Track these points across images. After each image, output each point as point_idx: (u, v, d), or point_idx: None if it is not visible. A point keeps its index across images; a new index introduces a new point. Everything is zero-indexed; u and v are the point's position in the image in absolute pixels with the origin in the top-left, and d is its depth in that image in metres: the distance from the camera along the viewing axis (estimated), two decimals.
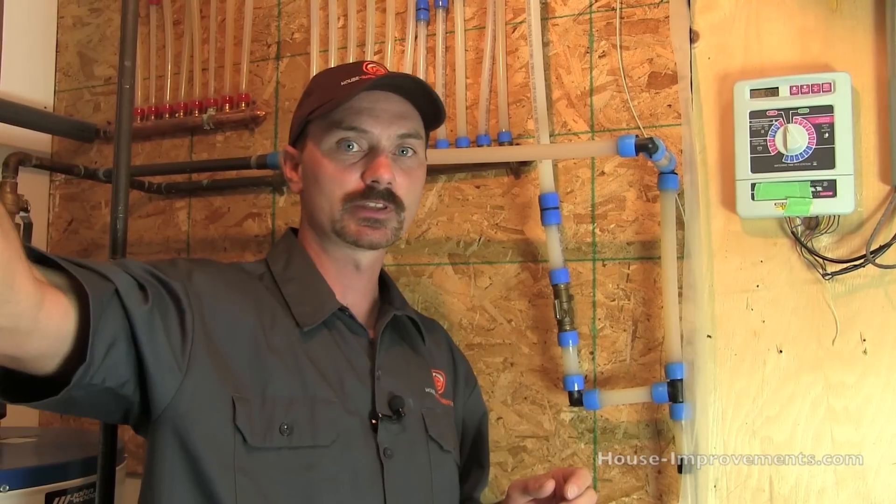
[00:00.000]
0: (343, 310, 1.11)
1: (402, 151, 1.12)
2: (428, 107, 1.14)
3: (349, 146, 1.09)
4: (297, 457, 0.98)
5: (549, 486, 1.01)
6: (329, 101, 1.09)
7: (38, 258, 0.83)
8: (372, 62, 1.16)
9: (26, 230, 1.65)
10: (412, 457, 1.09)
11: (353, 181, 1.08)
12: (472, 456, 1.30)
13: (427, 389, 1.18)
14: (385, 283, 1.23)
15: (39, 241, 1.94)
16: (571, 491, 1.00)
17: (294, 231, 1.20)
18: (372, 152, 1.09)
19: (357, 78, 1.10)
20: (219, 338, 0.98)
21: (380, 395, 1.08)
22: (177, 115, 1.82)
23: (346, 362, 1.08)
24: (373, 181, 1.07)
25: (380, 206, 1.08)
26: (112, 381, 0.88)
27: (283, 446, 0.98)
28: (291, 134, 1.19)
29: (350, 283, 1.15)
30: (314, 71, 1.66)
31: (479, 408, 1.34)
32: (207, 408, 0.95)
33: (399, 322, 1.20)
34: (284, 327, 1.05)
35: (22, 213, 1.63)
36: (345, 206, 1.08)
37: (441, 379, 1.23)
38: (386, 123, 1.09)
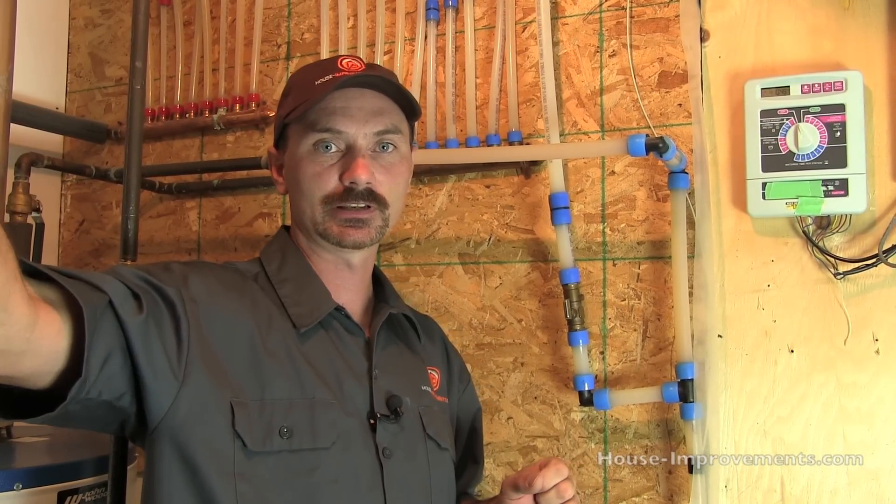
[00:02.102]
0: (339, 309, 1.10)
1: (383, 147, 1.09)
2: (404, 101, 1.12)
3: (326, 147, 1.07)
4: (298, 460, 0.98)
5: (538, 483, 0.99)
6: (303, 102, 1.07)
7: (30, 271, 0.82)
8: (348, 56, 1.13)
9: (38, 230, 1.65)
10: (410, 456, 1.08)
11: (331, 183, 1.07)
12: (467, 451, 1.29)
13: (423, 387, 1.17)
14: (379, 281, 1.22)
15: (51, 241, 1.95)
16: (536, 484, 0.98)
17: (287, 229, 1.18)
18: (349, 152, 1.07)
19: (330, 76, 1.08)
20: (215, 342, 0.97)
21: (377, 395, 1.07)
22: (187, 115, 1.83)
23: (343, 363, 1.07)
24: (351, 183, 1.06)
25: (361, 205, 1.06)
26: (108, 394, 0.87)
27: (283, 450, 0.97)
28: (274, 135, 1.17)
29: (344, 282, 1.13)
30: None
31: (473, 404, 1.33)
32: (205, 415, 0.94)
33: (394, 320, 1.18)
34: (281, 329, 1.04)
35: (34, 214, 1.64)
36: (325, 208, 1.07)
37: (436, 376, 1.22)
38: (361, 122, 1.07)
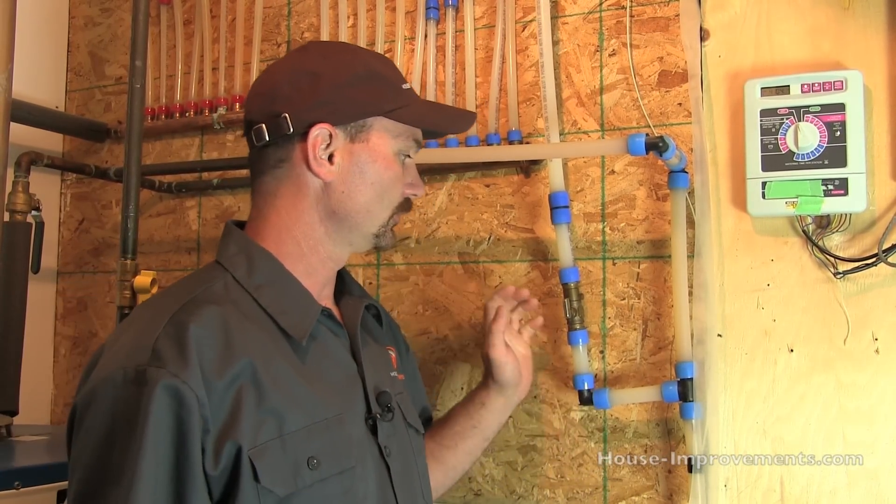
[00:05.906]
0: (323, 311, 1.04)
1: None
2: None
3: (406, 156, 1.10)
4: (330, 487, 0.94)
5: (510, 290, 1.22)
6: (403, 106, 1.06)
7: None
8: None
9: (38, 229, 1.66)
10: (402, 449, 1.08)
11: (401, 190, 1.09)
12: (417, 396, 1.29)
13: (392, 373, 1.15)
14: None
15: (50, 240, 1.95)
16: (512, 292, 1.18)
17: (238, 225, 1.08)
18: (408, 166, 1.11)
19: (409, 86, 1.11)
20: (235, 419, 0.89)
21: (371, 394, 1.05)
22: (187, 114, 1.83)
23: (338, 369, 1.04)
24: (413, 195, 1.11)
25: None
26: None
27: (314, 481, 0.92)
28: (336, 113, 1.03)
29: (328, 281, 1.09)
30: None
31: (413, 363, 1.32)
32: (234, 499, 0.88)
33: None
34: (278, 352, 0.96)
35: (33, 213, 1.64)
36: (393, 213, 1.08)
37: (393, 355, 1.20)
38: None
